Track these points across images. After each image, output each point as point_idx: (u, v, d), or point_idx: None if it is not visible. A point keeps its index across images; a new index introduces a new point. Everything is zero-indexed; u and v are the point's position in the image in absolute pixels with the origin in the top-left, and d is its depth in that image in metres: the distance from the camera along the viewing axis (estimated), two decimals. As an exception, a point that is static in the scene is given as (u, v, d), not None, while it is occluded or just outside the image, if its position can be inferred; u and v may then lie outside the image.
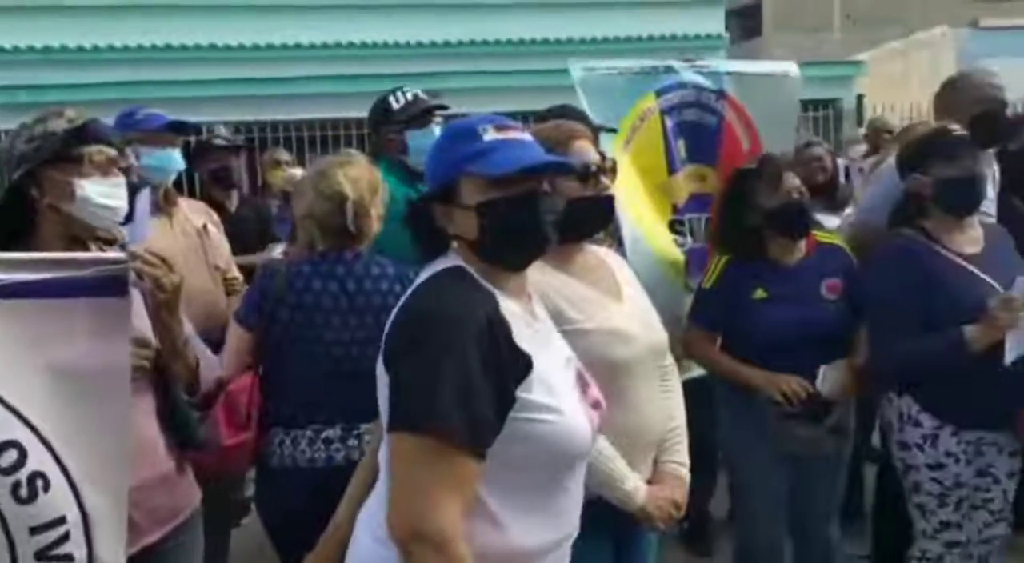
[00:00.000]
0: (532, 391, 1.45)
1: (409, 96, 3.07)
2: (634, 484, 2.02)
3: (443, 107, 3.11)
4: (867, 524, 3.53)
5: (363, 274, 2.41)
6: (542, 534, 1.52)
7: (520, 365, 1.45)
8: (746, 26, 23.15)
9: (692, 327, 2.85)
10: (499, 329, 1.44)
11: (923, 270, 2.57)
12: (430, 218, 1.55)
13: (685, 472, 2.16)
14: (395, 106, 3.07)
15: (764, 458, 2.76)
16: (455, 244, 1.57)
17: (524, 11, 12.71)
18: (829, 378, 2.67)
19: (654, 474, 2.11)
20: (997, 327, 2.44)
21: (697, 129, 3.28)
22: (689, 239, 3.23)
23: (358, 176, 2.44)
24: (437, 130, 2.98)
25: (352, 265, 2.42)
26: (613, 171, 2.12)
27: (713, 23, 13.94)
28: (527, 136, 1.58)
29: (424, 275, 1.55)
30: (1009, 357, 2.51)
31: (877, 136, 5.77)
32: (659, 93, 3.19)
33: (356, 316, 2.38)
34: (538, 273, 1.73)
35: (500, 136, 1.51)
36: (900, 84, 14.83)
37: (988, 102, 3.21)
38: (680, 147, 3.22)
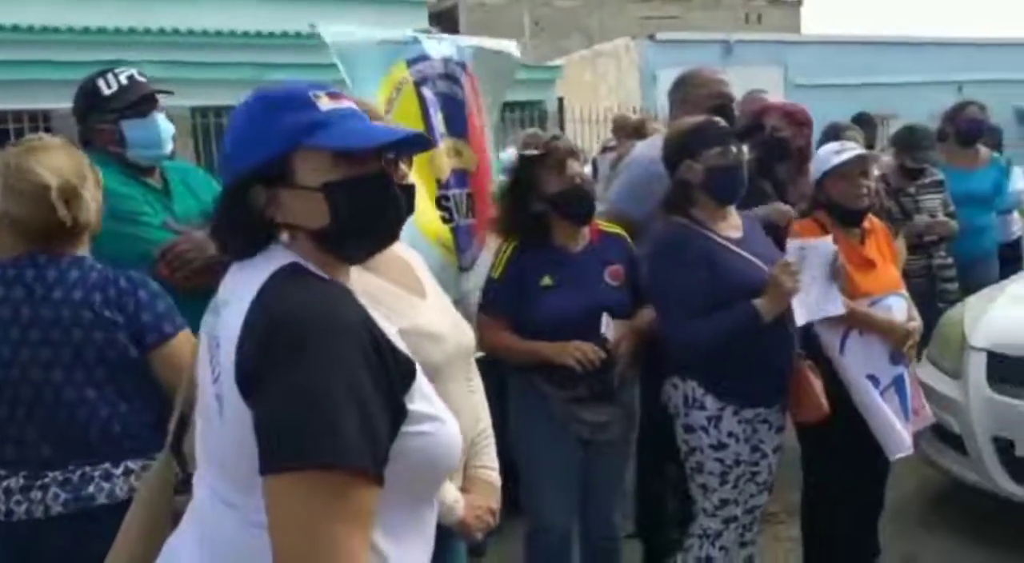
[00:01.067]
0: (414, 400, 1.21)
1: (123, 79, 2.58)
2: (454, 496, 1.89)
3: (167, 92, 2.67)
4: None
5: (56, 280, 1.94)
6: (418, 556, 1.30)
7: (405, 372, 1.21)
8: (443, 30, 23.71)
9: (484, 317, 2.73)
10: (378, 332, 1.19)
11: (701, 252, 2.63)
12: (247, 204, 1.25)
13: (496, 476, 2.06)
14: (106, 91, 2.56)
15: (552, 444, 2.72)
16: (283, 236, 1.28)
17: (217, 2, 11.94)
18: (613, 325, 2.68)
19: (465, 480, 1.98)
20: (783, 293, 2.56)
21: (450, 101, 3.15)
22: (456, 216, 3.11)
23: (57, 161, 1.97)
24: (161, 119, 2.56)
25: (46, 269, 1.95)
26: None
27: (417, 23, 14.03)
28: (357, 106, 1.33)
29: (256, 278, 1.23)
30: (800, 320, 2.66)
31: (621, 131, 6.00)
32: (409, 63, 3.03)
33: (40, 330, 1.90)
34: None
35: (335, 105, 1.25)
36: (590, 90, 15.92)
37: (721, 97, 3.40)
38: (439, 120, 3.08)
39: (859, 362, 2.90)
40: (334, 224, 1.23)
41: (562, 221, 2.74)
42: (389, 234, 1.32)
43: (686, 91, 3.46)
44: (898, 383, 2.92)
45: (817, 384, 2.75)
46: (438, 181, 3.07)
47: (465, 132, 3.20)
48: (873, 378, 2.91)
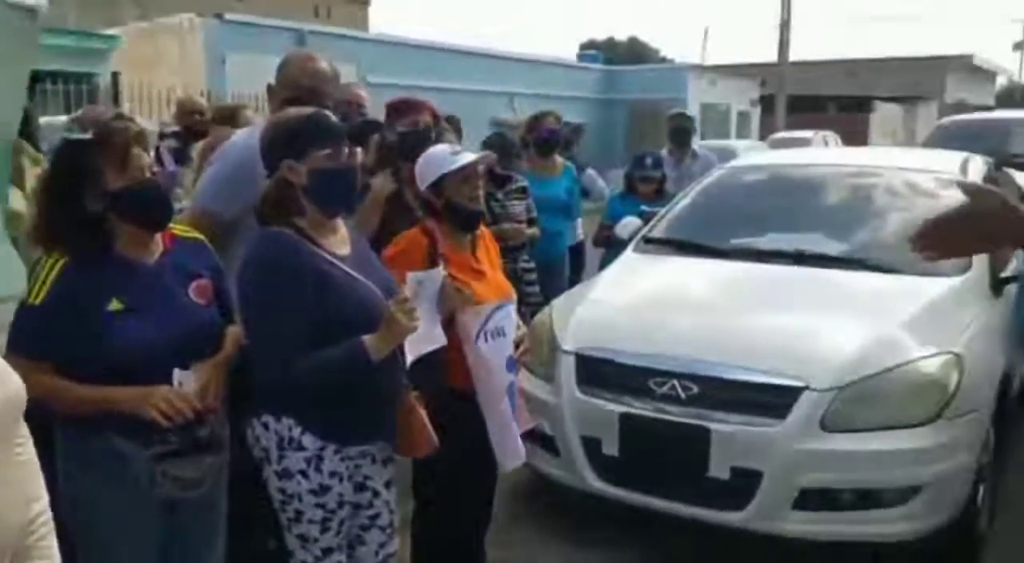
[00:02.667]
0: None
1: None
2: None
3: None
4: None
5: None
6: None
7: None
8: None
9: (17, 356, 2.00)
10: None
11: (306, 271, 2.27)
12: None
13: None
14: None
15: (128, 512, 2.16)
16: None
17: None
18: (193, 372, 2.20)
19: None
20: (399, 332, 2.29)
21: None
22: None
23: None
24: None
25: None
26: None
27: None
28: None
29: None
30: (411, 357, 2.40)
31: (187, 116, 5.31)
32: None
33: None
34: None
35: None
36: (149, 66, 14.49)
37: (317, 79, 3.07)
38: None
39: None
40: None
41: (129, 226, 2.18)
42: None
43: (287, 72, 3.07)
44: (510, 391, 2.83)
45: (424, 417, 2.55)
46: None
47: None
48: (509, 360, 2.80)
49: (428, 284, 2.52)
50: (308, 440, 2.34)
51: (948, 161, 5.03)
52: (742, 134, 25.32)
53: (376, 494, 2.52)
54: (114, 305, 2.11)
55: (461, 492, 2.92)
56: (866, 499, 3.20)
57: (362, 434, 2.42)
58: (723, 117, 25.92)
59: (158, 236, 2.27)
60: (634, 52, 54.77)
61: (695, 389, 3.38)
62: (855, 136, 22.28)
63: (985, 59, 40.71)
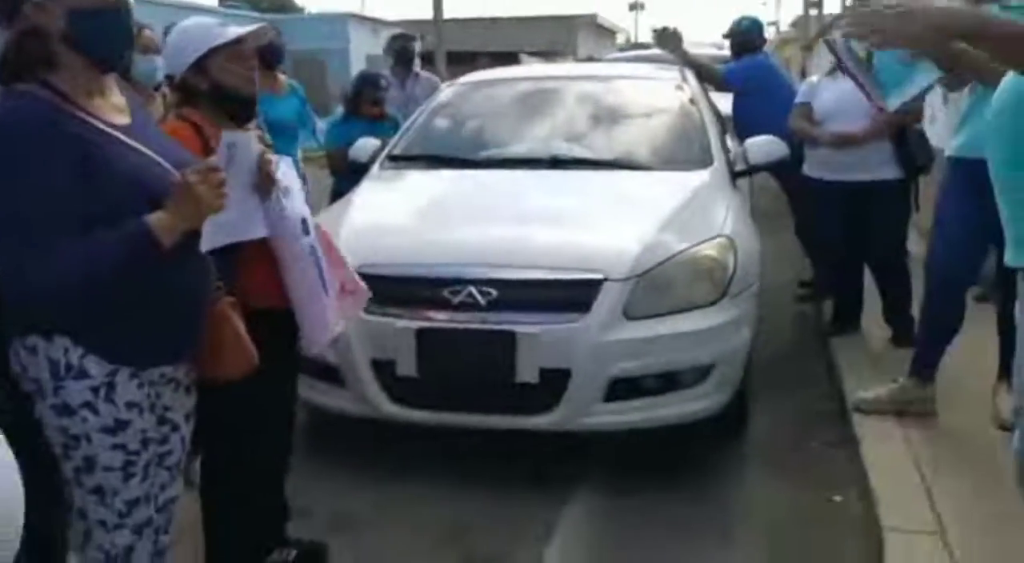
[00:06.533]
0: None
1: None
2: None
3: None
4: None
5: None
6: None
7: None
8: None
9: None
10: None
11: (63, 140, 1.75)
12: None
13: None
14: None
15: None
16: None
17: None
18: None
19: None
20: (199, 208, 1.83)
21: None
22: None
23: None
24: None
25: None
26: None
27: None
28: None
29: None
30: (206, 243, 1.94)
31: None
32: None
33: None
34: None
35: None
36: None
37: None
38: None
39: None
40: None
41: None
42: None
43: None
44: (313, 254, 2.34)
45: (240, 327, 2.12)
46: None
47: None
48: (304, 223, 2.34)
49: (242, 150, 2.05)
50: (92, 364, 1.83)
51: (664, 70, 5.27)
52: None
53: (175, 428, 2.06)
54: None
55: (263, 418, 2.48)
56: (669, 382, 3.25)
57: (163, 352, 1.95)
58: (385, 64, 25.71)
59: None
60: (275, 3, 52.46)
61: (494, 293, 3.19)
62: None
63: (606, 19, 44.84)
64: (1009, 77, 1.88)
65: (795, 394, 4.19)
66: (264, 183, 2.20)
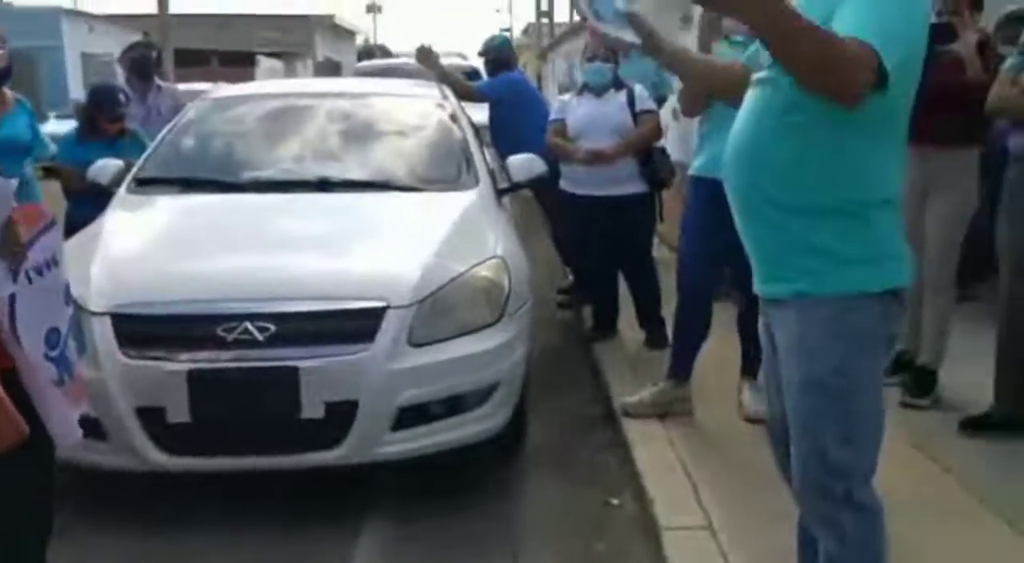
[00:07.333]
0: None
1: None
2: None
3: None
4: None
5: None
6: None
7: None
8: None
9: None
10: None
11: None
12: None
13: None
14: None
15: None
16: None
17: None
18: None
19: None
20: None
21: None
22: None
23: None
24: None
25: None
26: None
27: None
28: None
29: None
30: None
31: None
32: None
33: None
34: None
35: None
36: None
37: None
38: None
39: (36, 319, 2.02)
40: None
41: None
42: None
43: None
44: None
45: (4, 397, 1.88)
46: None
47: None
48: (55, 332, 2.07)
49: None
50: None
51: (422, 86, 5.31)
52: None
53: None
54: None
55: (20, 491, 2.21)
56: (454, 406, 3.27)
57: None
58: (109, 68, 23.78)
59: None
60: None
61: (273, 328, 3.06)
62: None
63: (344, 20, 44.31)
64: (742, 118, 1.95)
65: (564, 401, 4.39)
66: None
